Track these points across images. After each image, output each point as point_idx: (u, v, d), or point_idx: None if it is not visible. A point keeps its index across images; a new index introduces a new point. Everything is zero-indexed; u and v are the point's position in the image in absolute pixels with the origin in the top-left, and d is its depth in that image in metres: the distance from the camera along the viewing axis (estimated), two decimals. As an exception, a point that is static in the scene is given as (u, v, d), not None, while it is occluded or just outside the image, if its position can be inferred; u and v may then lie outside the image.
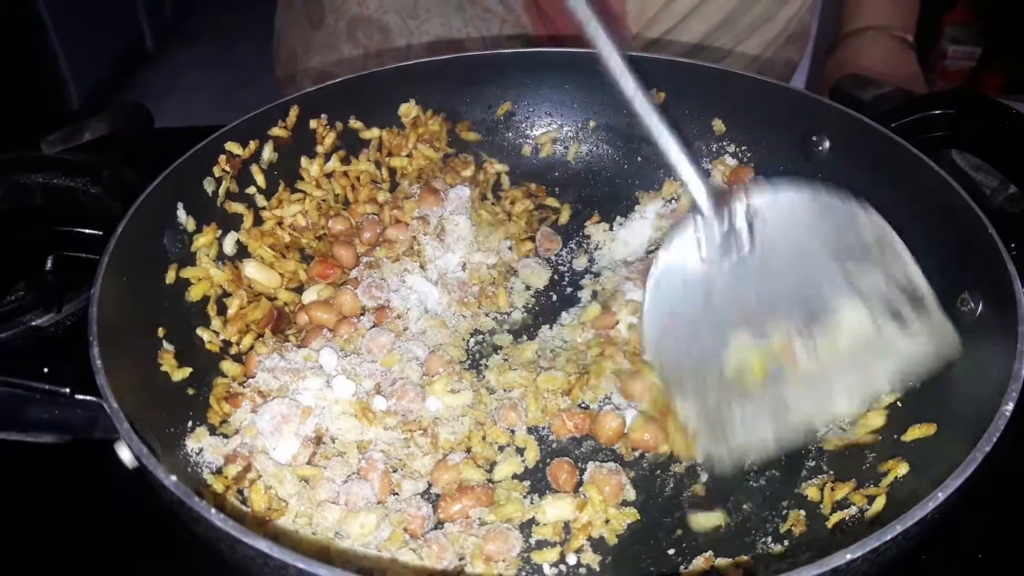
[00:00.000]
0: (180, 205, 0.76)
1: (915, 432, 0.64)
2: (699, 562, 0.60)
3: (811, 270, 0.65)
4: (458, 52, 0.98)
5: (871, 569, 0.48)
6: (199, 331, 0.74)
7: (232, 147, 0.80)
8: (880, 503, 0.61)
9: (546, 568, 0.61)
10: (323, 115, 0.87)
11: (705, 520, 0.64)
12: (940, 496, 0.48)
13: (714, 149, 0.93)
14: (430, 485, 0.66)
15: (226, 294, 0.77)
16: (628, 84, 0.65)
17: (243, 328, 0.75)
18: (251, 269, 0.79)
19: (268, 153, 0.84)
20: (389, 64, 0.91)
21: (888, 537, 0.46)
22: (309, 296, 0.80)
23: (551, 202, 0.94)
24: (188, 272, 0.75)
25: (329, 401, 0.68)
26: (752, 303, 0.65)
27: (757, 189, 0.67)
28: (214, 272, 0.76)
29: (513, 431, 0.71)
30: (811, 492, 0.65)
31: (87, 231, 0.69)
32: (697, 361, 0.65)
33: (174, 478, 0.49)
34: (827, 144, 0.85)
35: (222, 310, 0.76)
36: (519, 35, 1.16)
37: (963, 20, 2.54)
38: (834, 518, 0.62)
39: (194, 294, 0.75)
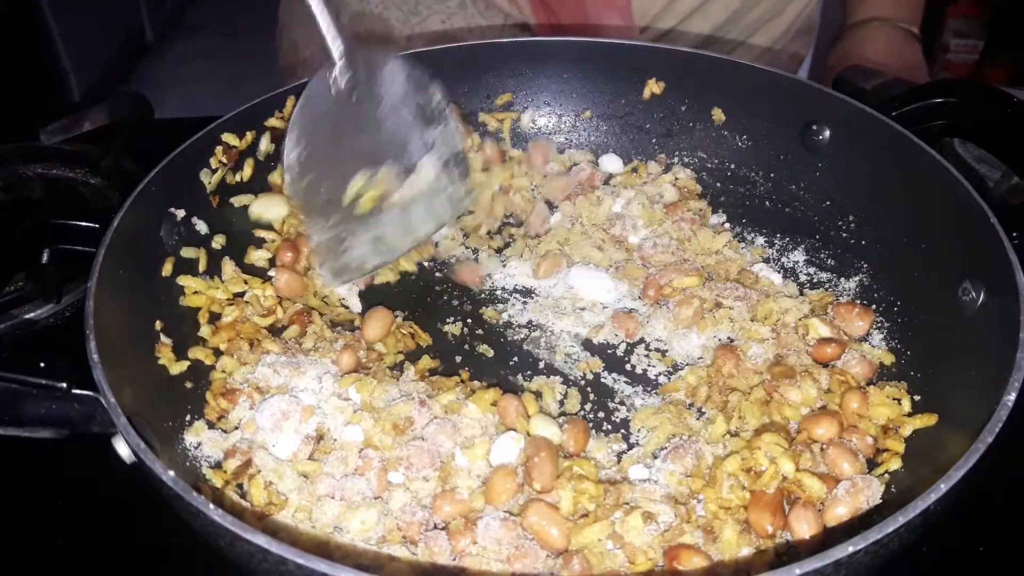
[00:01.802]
0: (177, 197, 0.75)
1: (916, 423, 0.64)
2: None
3: (405, 125, 0.79)
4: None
5: (873, 561, 0.47)
6: (191, 352, 0.72)
7: (229, 138, 0.80)
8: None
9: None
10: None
11: None
12: (942, 488, 0.48)
13: (715, 137, 0.93)
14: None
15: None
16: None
17: (233, 336, 0.74)
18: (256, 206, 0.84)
19: (265, 144, 0.83)
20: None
21: (890, 529, 0.46)
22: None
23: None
24: (184, 280, 0.74)
25: (330, 402, 0.68)
26: (366, 147, 0.78)
27: (372, 53, 0.79)
28: (211, 292, 0.76)
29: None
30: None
31: (84, 224, 0.69)
32: (325, 187, 0.76)
33: (172, 473, 0.49)
34: (828, 133, 0.84)
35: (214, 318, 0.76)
36: (519, 24, 1.16)
37: (966, 13, 2.53)
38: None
39: (189, 302, 0.75)
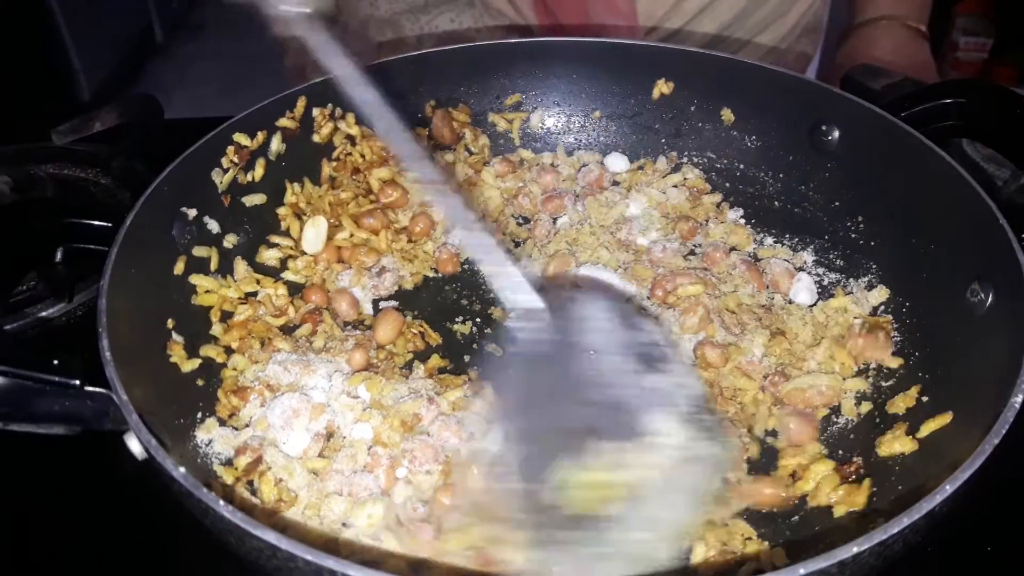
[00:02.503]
0: (189, 196, 0.76)
1: (930, 426, 0.63)
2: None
3: (621, 379, 0.59)
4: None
5: (878, 562, 0.48)
6: (202, 350, 0.73)
7: (240, 138, 0.80)
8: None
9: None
10: (328, 104, 0.87)
11: None
12: (948, 489, 0.48)
13: (724, 138, 0.93)
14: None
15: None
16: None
17: (245, 335, 0.74)
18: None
19: (276, 144, 0.84)
20: (398, 55, 0.91)
21: (895, 530, 0.46)
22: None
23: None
24: (196, 279, 0.75)
25: (340, 400, 0.68)
26: (571, 417, 0.58)
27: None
28: (223, 291, 0.76)
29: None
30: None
31: (96, 223, 0.69)
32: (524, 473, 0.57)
33: (183, 470, 0.49)
34: (836, 133, 0.84)
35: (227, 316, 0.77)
36: (522, 26, 1.16)
37: (975, 11, 2.52)
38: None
39: (201, 301, 0.75)
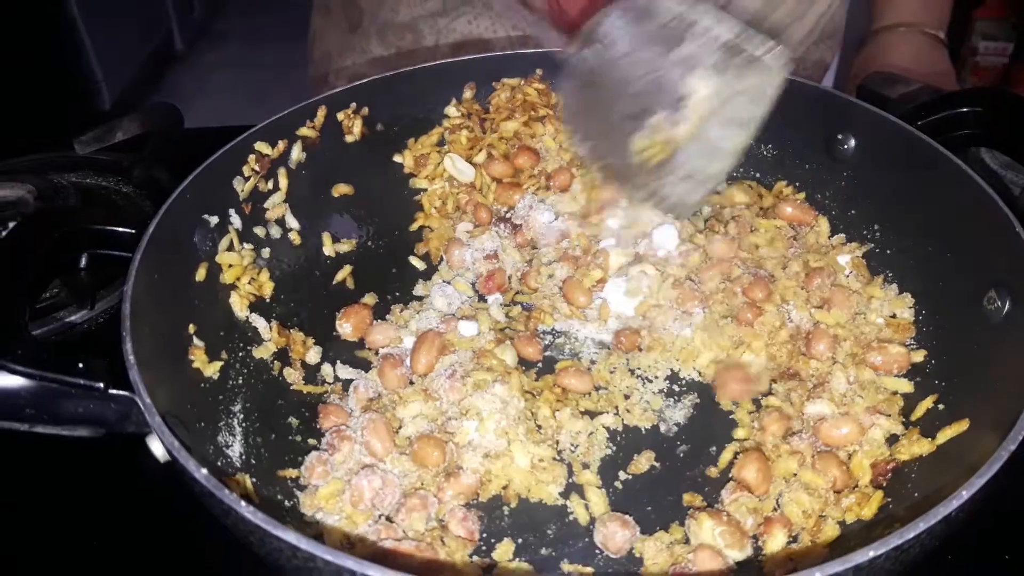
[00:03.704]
0: (210, 204, 0.77)
1: (947, 433, 0.63)
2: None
3: (650, 64, 0.70)
4: (485, 51, 0.99)
5: (895, 567, 0.48)
6: (255, 352, 0.76)
7: (261, 147, 0.81)
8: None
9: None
10: (352, 104, 0.88)
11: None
12: (964, 494, 0.48)
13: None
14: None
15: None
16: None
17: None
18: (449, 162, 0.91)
19: (297, 153, 0.85)
20: (417, 63, 0.92)
21: (911, 535, 0.46)
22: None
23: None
24: (222, 258, 0.77)
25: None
26: (628, 109, 0.72)
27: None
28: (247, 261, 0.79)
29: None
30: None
31: (120, 229, 0.70)
32: (616, 163, 0.75)
33: (205, 471, 0.50)
34: (853, 142, 0.84)
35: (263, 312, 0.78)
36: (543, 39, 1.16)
37: (995, 15, 2.50)
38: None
39: (228, 277, 0.77)
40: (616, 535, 0.62)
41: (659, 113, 0.70)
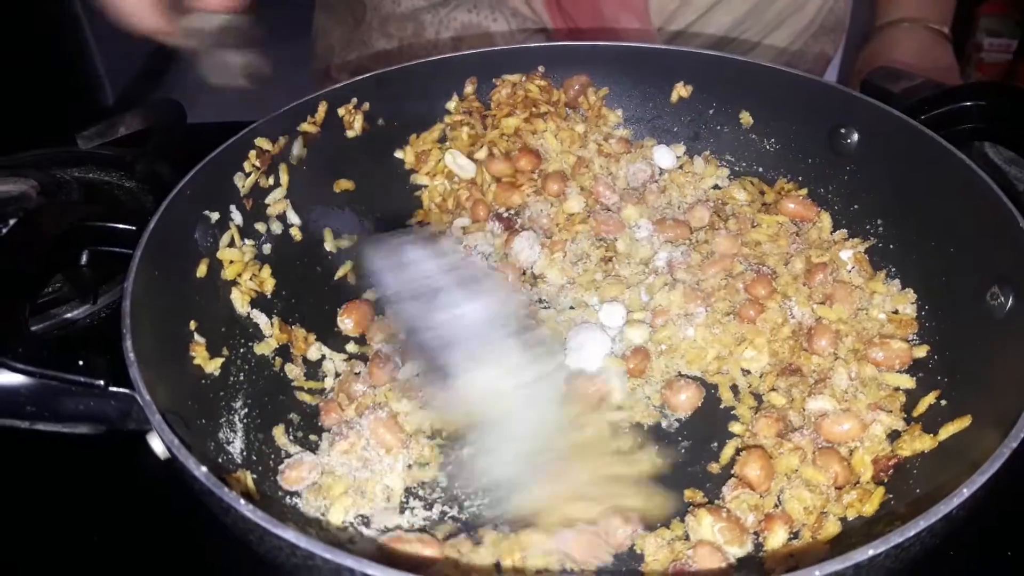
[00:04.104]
0: (211, 200, 0.77)
1: (949, 429, 0.63)
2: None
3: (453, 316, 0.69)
4: (484, 44, 0.98)
5: (895, 565, 0.47)
6: (256, 348, 0.76)
7: (262, 143, 0.81)
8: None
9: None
10: (353, 99, 0.88)
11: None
12: (965, 492, 0.48)
13: (742, 141, 0.93)
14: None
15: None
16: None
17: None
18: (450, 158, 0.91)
19: (298, 149, 0.85)
20: (418, 57, 0.92)
21: (912, 533, 0.46)
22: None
23: None
24: (223, 254, 0.77)
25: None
26: None
27: None
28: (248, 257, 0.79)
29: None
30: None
31: (121, 226, 0.71)
32: None
33: (204, 469, 0.50)
34: (856, 137, 0.84)
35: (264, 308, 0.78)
36: (541, 29, 1.16)
37: (999, 11, 2.49)
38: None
39: (229, 274, 0.77)
40: (618, 530, 0.61)
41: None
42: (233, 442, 0.67)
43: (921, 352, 0.72)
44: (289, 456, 0.67)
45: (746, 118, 0.92)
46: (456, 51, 0.95)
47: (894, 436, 0.67)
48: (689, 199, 0.90)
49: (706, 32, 1.17)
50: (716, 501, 0.65)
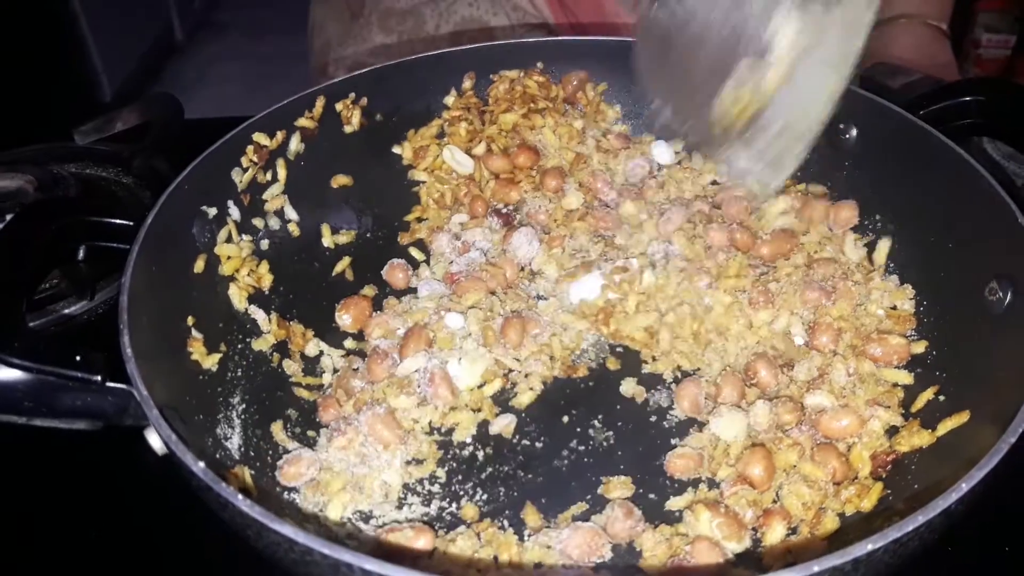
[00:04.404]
0: (209, 196, 0.77)
1: (947, 424, 0.63)
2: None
3: (729, 11, 0.65)
4: (484, 38, 0.98)
5: (894, 560, 0.47)
6: (254, 344, 0.76)
7: (260, 138, 0.81)
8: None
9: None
10: (350, 94, 0.88)
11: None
12: (964, 487, 0.48)
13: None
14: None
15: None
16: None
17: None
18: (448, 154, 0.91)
19: (295, 144, 0.84)
20: (417, 52, 0.91)
21: (910, 528, 0.46)
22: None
23: None
24: (221, 250, 0.77)
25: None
26: (711, 61, 0.66)
27: None
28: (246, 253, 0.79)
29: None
30: None
31: (118, 221, 0.70)
32: (707, 123, 0.67)
33: (202, 464, 0.50)
34: (854, 132, 0.84)
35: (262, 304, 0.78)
36: (542, 24, 1.16)
37: (997, 7, 2.49)
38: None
39: (227, 269, 0.77)
40: (617, 522, 0.61)
41: (739, 63, 0.64)
42: (231, 438, 0.67)
43: (919, 348, 0.72)
44: (287, 452, 0.67)
45: (745, 114, 0.92)
46: (455, 45, 0.94)
47: (892, 432, 0.67)
48: (688, 195, 0.90)
49: None
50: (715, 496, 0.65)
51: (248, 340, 0.75)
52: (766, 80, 0.63)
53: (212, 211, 0.76)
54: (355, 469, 0.66)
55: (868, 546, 0.45)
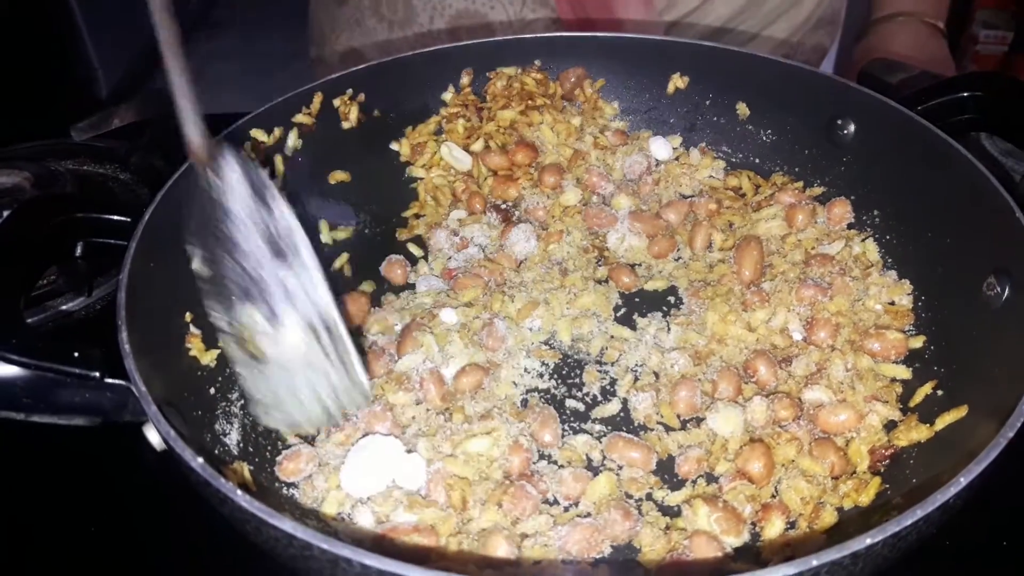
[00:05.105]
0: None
1: (945, 419, 0.63)
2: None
3: (258, 254, 0.60)
4: (482, 31, 0.97)
5: (892, 553, 0.48)
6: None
7: (257, 134, 0.81)
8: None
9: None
10: (348, 90, 0.88)
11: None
12: (962, 481, 0.48)
13: (739, 132, 0.93)
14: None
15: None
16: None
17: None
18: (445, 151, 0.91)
19: (293, 140, 0.84)
20: (412, 40, 0.91)
21: (909, 522, 0.46)
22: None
23: None
24: None
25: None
26: (237, 272, 0.60)
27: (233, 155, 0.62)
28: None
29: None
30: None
31: (116, 217, 0.70)
32: (227, 312, 0.61)
33: (201, 460, 0.50)
34: (852, 128, 0.84)
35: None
36: (543, 18, 1.15)
37: (994, 4, 2.49)
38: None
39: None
40: (616, 525, 0.61)
41: (254, 306, 0.60)
42: (229, 434, 0.67)
43: (917, 343, 0.72)
44: (286, 447, 0.67)
45: (743, 109, 0.92)
46: (452, 40, 0.94)
47: (890, 426, 0.67)
48: (685, 190, 0.90)
49: (703, 23, 1.17)
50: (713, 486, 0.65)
51: (246, 336, 0.75)
52: (262, 344, 0.60)
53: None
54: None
55: (867, 540, 0.45)
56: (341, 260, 0.85)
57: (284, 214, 0.60)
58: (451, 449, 0.65)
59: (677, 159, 0.93)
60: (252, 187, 0.60)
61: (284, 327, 0.60)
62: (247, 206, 0.59)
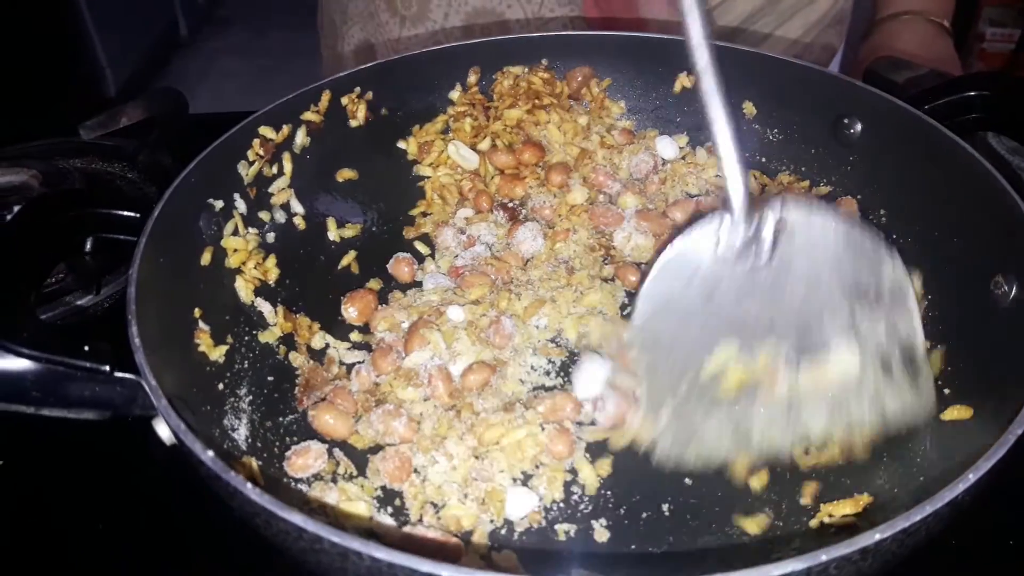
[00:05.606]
0: (215, 189, 0.77)
1: (952, 413, 0.64)
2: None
3: (819, 299, 0.62)
4: (497, 30, 0.97)
5: (900, 550, 0.48)
6: (261, 336, 0.76)
7: (266, 131, 0.81)
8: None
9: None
10: (356, 88, 0.88)
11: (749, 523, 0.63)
12: (971, 478, 0.48)
13: (745, 131, 0.93)
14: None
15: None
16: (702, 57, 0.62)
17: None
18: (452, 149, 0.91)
19: (301, 138, 0.85)
20: (425, 37, 0.91)
21: (917, 519, 0.46)
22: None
23: None
24: (227, 243, 0.77)
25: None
26: (751, 316, 0.62)
27: (793, 202, 0.63)
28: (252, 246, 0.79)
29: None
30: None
31: (125, 213, 0.71)
32: (678, 354, 0.63)
33: (211, 453, 0.50)
34: (859, 126, 0.84)
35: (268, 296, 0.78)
36: (560, 16, 1.15)
37: (1001, 2, 2.49)
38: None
39: (234, 262, 0.77)
40: (609, 404, 0.65)
41: (778, 345, 0.61)
42: (238, 429, 0.68)
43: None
44: (295, 443, 0.68)
45: (749, 108, 0.92)
46: (466, 37, 0.94)
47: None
48: (691, 189, 0.90)
49: (722, 21, 1.17)
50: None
51: (255, 332, 0.75)
52: (785, 379, 0.61)
53: (219, 204, 0.77)
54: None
55: (876, 535, 0.45)
56: (348, 258, 0.86)
57: (895, 271, 0.64)
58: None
59: (684, 158, 0.94)
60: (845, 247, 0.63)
61: (837, 357, 0.62)
62: (826, 260, 0.62)
